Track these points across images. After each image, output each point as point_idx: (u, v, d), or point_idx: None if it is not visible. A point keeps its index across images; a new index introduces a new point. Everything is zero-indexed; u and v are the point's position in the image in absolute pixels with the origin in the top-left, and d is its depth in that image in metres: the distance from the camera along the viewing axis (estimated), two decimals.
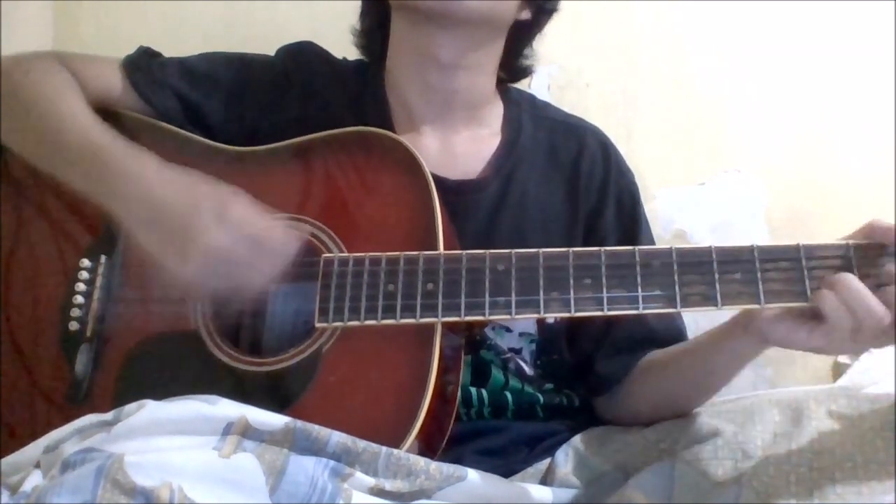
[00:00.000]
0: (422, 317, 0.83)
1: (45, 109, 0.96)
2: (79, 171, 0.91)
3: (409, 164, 0.92)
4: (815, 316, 0.79)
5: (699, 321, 1.09)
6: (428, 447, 0.84)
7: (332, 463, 0.71)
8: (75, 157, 0.91)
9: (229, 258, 0.83)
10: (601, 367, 1.01)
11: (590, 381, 1.03)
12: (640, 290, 0.81)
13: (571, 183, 1.07)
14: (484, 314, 0.83)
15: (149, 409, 0.71)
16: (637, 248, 0.83)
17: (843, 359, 1.38)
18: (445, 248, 0.87)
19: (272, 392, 0.87)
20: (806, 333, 0.79)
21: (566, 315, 0.82)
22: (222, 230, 0.82)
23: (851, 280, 0.77)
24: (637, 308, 0.81)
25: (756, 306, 0.80)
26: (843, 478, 0.73)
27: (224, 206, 0.84)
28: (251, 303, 0.90)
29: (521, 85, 1.18)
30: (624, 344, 1.00)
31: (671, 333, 1.02)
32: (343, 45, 1.14)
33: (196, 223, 0.83)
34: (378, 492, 0.73)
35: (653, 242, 1.10)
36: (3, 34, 1.25)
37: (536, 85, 1.41)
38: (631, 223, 1.08)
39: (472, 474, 0.79)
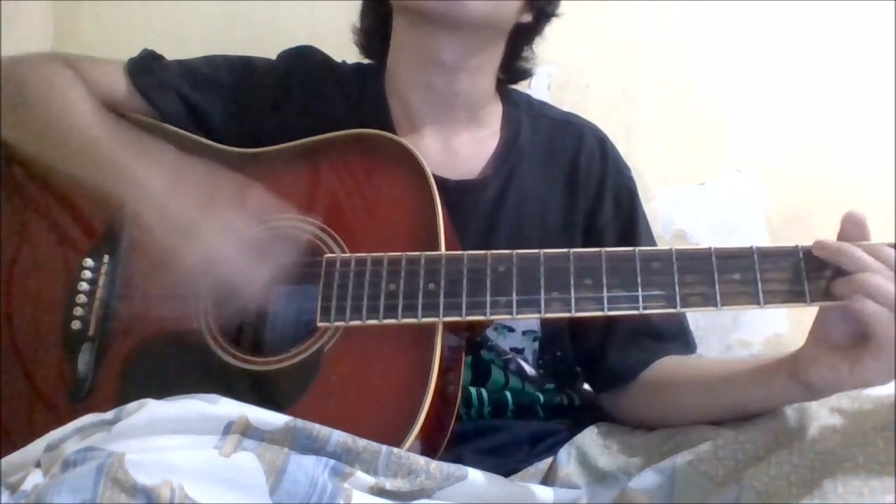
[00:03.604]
0: (423, 316, 0.83)
1: (54, 105, 0.96)
2: (91, 164, 0.92)
3: (410, 164, 0.92)
4: (852, 347, 0.77)
5: (698, 320, 1.10)
6: (428, 447, 0.84)
7: (332, 462, 0.71)
8: (88, 150, 0.93)
9: (242, 243, 0.86)
10: (613, 362, 1.01)
11: (599, 375, 1.04)
12: (640, 290, 0.81)
13: (570, 180, 1.07)
14: (485, 314, 0.83)
15: (149, 409, 0.71)
16: (637, 248, 0.83)
17: None
18: (447, 249, 0.87)
19: (273, 391, 0.87)
20: (848, 366, 0.77)
21: (567, 315, 0.82)
22: (230, 234, 0.85)
23: (874, 277, 0.75)
24: (637, 308, 0.81)
25: (756, 307, 0.80)
26: (844, 478, 0.72)
27: (239, 195, 0.87)
28: (251, 304, 0.89)
29: (522, 85, 1.18)
30: (633, 338, 1.00)
31: (675, 329, 1.03)
32: (343, 46, 1.14)
33: (207, 213, 0.86)
34: (378, 491, 0.73)
35: (652, 238, 1.10)
36: (3, 34, 1.25)
37: (536, 85, 1.41)
38: (629, 219, 1.08)
39: (473, 473, 0.79)
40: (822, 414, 0.80)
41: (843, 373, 0.77)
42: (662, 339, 1.01)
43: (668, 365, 1.00)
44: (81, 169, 0.93)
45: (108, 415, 0.72)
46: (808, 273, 0.79)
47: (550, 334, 1.03)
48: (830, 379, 0.78)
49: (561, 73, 1.47)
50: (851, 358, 0.77)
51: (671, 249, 0.82)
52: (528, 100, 1.16)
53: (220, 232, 0.86)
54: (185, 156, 0.92)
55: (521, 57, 1.13)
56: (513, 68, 1.13)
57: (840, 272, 0.78)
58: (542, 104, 1.18)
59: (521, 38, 1.10)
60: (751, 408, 0.87)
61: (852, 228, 0.79)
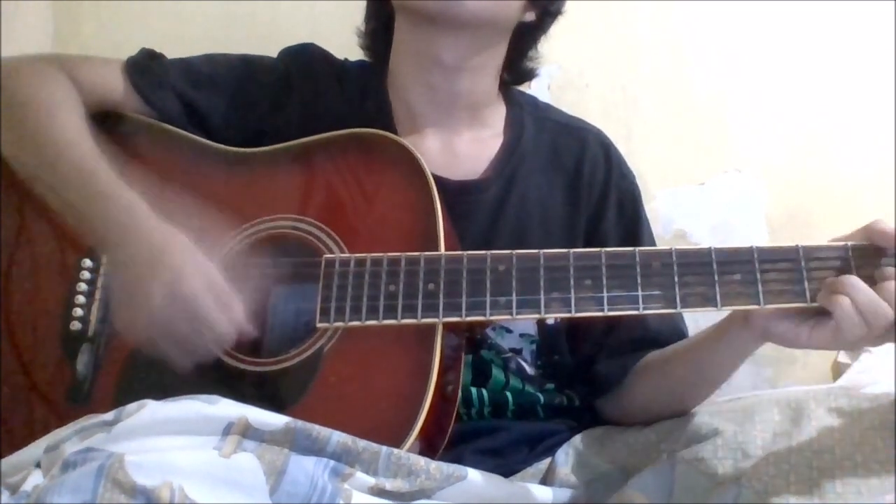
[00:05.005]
0: (423, 317, 0.83)
1: (40, 126, 0.95)
2: (64, 196, 0.91)
3: (410, 164, 0.92)
4: (816, 314, 0.79)
5: (699, 321, 1.10)
6: (428, 447, 0.84)
7: (332, 463, 0.72)
8: (64, 182, 0.91)
9: (164, 329, 0.83)
10: (602, 368, 1.01)
11: (591, 381, 1.03)
12: (640, 290, 0.81)
13: (573, 184, 1.07)
14: (485, 314, 0.83)
15: (149, 409, 0.71)
16: (637, 248, 0.83)
17: (843, 358, 1.38)
18: (446, 249, 0.87)
19: (273, 392, 0.87)
20: (807, 331, 0.80)
21: (567, 315, 0.82)
22: (168, 300, 0.83)
23: (859, 283, 0.77)
24: (637, 308, 0.81)
25: (756, 307, 0.80)
26: (843, 477, 0.73)
27: (181, 277, 0.83)
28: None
29: (522, 86, 1.18)
30: (625, 345, 1.01)
31: (673, 335, 1.02)
32: (344, 45, 1.14)
33: (150, 283, 0.83)
34: (378, 492, 0.73)
35: (654, 244, 1.10)
36: (3, 34, 1.25)
37: (536, 85, 1.40)
38: (632, 225, 1.08)
39: (473, 474, 0.79)
40: (821, 413, 0.80)
41: (803, 334, 0.80)
42: (657, 346, 1.01)
43: (646, 357, 1.00)
44: (59, 196, 0.92)
45: (108, 416, 0.72)
46: (809, 273, 0.79)
47: (547, 339, 1.03)
48: (789, 335, 0.81)
49: (561, 73, 1.47)
50: (813, 323, 0.80)
51: (671, 249, 0.82)
52: (532, 101, 1.16)
53: (187, 266, 0.84)
54: (153, 214, 0.89)
55: (526, 56, 1.13)
56: (517, 68, 1.13)
57: (841, 273, 0.78)
58: (548, 107, 1.18)
59: (526, 37, 1.10)
60: (718, 368, 0.92)
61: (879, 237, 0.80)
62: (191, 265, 0.85)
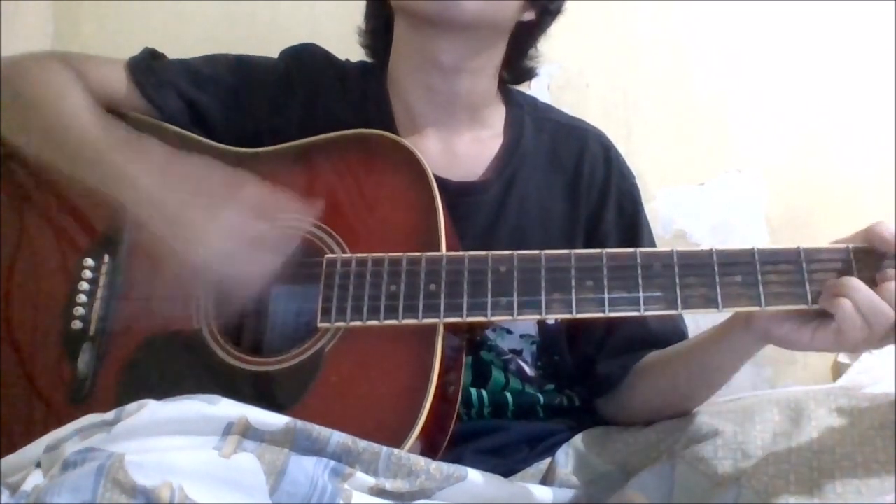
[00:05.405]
0: (424, 317, 0.83)
1: (49, 106, 0.96)
2: (86, 165, 0.92)
3: (412, 165, 0.92)
4: (818, 316, 0.79)
5: (699, 322, 1.10)
6: (429, 447, 0.84)
7: (332, 463, 0.72)
8: (82, 151, 0.92)
9: (240, 236, 0.85)
10: (602, 368, 1.01)
11: (591, 382, 1.04)
12: (641, 291, 0.81)
13: (573, 185, 1.07)
14: (486, 315, 0.83)
15: (149, 409, 0.71)
16: (638, 249, 0.83)
17: (843, 359, 1.38)
18: (448, 250, 0.87)
19: (274, 392, 0.87)
20: (810, 334, 0.80)
21: (568, 317, 0.82)
22: (217, 222, 0.85)
23: (860, 285, 0.77)
24: (638, 309, 0.81)
25: (756, 308, 0.80)
26: (843, 477, 0.73)
27: (234, 189, 0.86)
28: (251, 299, 0.89)
29: (521, 86, 1.18)
30: (626, 345, 1.01)
31: (673, 335, 1.02)
32: (344, 46, 1.14)
33: (202, 208, 0.85)
34: (378, 492, 0.73)
35: (654, 245, 1.10)
36: (3, 34, 1.25)
37: (536, 85, 1.41)
38: (632, 226, 1.08)
39: (473, 474, 0.79)
40: (821, 413, 0.80)
41: (805, 337, 0.80)
42: (657, 346, 1.01)
43: (647, 358, 1.01)
44: (77, 169, 0.93)
45: (109, 415, 0.72)
46: (810, 275, 0.79)
47: (548, 340, 1.04)
48: (792, 338, 0.81)
49: (561, 73, 1.47)
50: (815, 326, 0.80)
51: (672, 251, 0.82)
52: (532, 102, 1.16)
53: (216, 226, 0.86)
54: (176, 152, 0.92)
55: (526, 56, 1.13)
56: (517, 68, 1.13)
57: (842, 275, 0.78)
58: (548, 107, 1.18)
59: (525, 36, 1.09)
60: (719, 369, 0.92)
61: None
62: (238, 178, 0.89)
